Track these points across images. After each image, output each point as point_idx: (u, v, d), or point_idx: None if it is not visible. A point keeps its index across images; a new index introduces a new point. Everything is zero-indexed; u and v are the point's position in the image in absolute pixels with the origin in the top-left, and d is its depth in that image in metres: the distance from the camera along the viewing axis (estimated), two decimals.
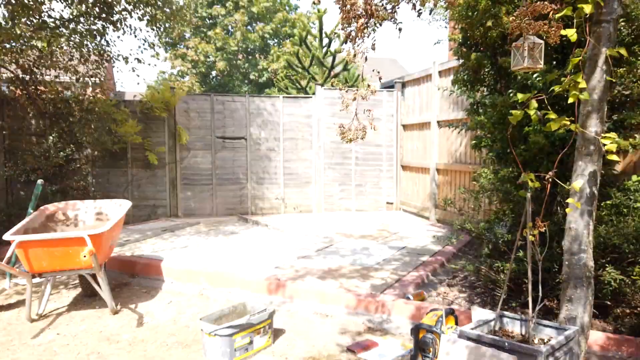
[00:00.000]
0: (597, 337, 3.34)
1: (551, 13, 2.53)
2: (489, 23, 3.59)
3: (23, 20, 6.34)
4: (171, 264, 5.34)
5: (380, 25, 2.83)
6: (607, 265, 3.51)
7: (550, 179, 2.75)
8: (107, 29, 7.58)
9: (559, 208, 3.72)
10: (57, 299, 4.72)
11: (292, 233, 7.40)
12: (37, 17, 6.65)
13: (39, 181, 5.18)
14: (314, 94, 9.61)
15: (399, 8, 2.99)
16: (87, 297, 4.72)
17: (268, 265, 5.31)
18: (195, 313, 4.27)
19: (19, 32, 5.82)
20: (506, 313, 2.98)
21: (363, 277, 4.88)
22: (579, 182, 2.77)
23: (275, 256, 5.78)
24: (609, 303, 3.65)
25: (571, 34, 2.44)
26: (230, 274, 4.99)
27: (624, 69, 3.46)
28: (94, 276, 4.31)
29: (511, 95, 3.76)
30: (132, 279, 5.34)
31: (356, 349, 3.48)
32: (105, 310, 4.35)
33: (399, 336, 3.77)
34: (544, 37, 2.64)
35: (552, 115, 2.56)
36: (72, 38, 7.40)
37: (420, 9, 3.12)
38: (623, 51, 2.54)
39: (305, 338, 3.74)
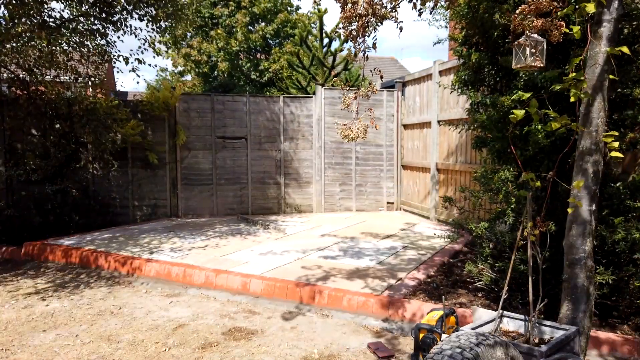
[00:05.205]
0: (598, 336, 3.33)
1: (554, 11, 2.52)
2: (497, 16, 3.59)
3: (23, 20, 6.33)
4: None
5: (381, 23, 2.82)
6: (608, 264, 3.50)
7: (551, 179, 2.74)
8: (107, 29, 7.58)
9: (560, 207, 3.71)
10: (56, 300, 4.72)
11: (300, 233, 7.35)
12: (38, 16, 6.64)
13: None
14: (314, 93, 9.60)
15: (399, 7, 2.98)
16: (88, 299, 4.72)
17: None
18: (192, 314, 4.28)
19: (19, 30, 5.82)
20: (507, 313, 2.97)
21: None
22: (580, 182, 2.76)
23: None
24: (609, 303, 3.64)
25: (576, 30, 2.43)
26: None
27: (624, 68, 3.44)
28: None
29: (512, 94, 3.75)
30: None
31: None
32: (106, 310, 4.35)
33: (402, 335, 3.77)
34: (547, 36, 2.63)
35: (553, 114, 2.55)
36: (72, 38, 7.39)
37: (421, 9, 3.11)
38: (625, 49, 2.53)
39: (312, 339, 3.73)
